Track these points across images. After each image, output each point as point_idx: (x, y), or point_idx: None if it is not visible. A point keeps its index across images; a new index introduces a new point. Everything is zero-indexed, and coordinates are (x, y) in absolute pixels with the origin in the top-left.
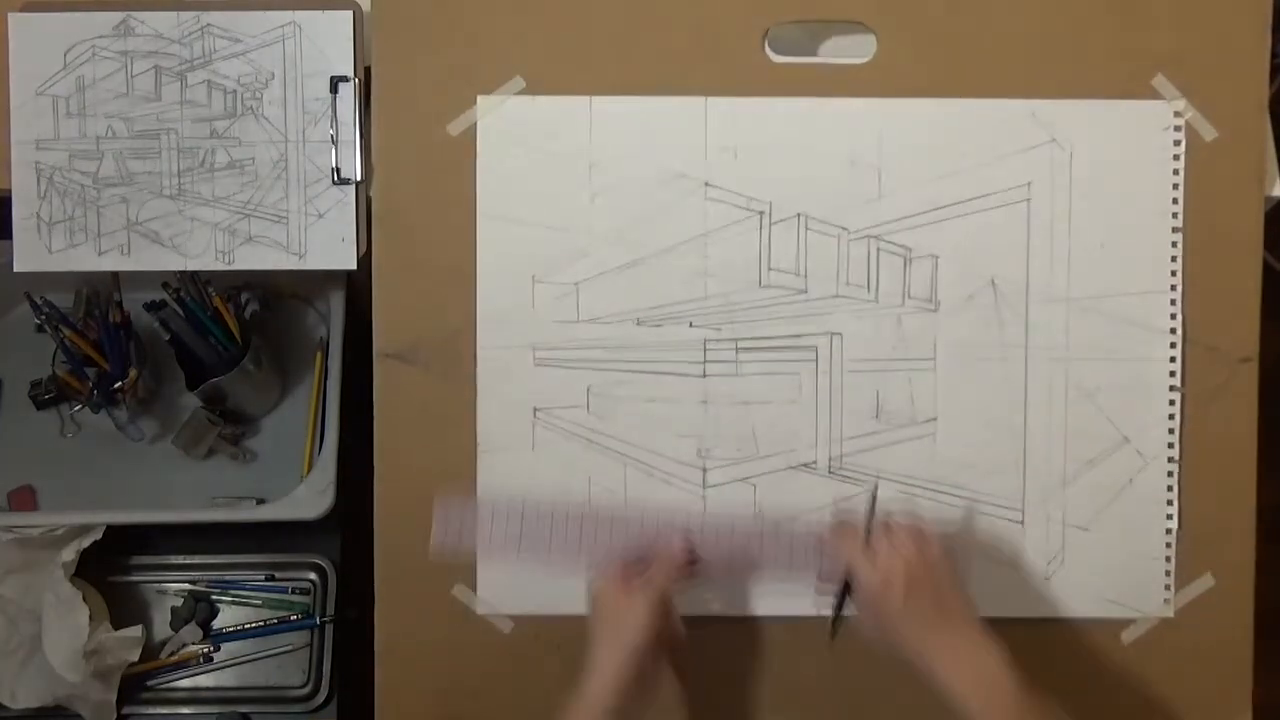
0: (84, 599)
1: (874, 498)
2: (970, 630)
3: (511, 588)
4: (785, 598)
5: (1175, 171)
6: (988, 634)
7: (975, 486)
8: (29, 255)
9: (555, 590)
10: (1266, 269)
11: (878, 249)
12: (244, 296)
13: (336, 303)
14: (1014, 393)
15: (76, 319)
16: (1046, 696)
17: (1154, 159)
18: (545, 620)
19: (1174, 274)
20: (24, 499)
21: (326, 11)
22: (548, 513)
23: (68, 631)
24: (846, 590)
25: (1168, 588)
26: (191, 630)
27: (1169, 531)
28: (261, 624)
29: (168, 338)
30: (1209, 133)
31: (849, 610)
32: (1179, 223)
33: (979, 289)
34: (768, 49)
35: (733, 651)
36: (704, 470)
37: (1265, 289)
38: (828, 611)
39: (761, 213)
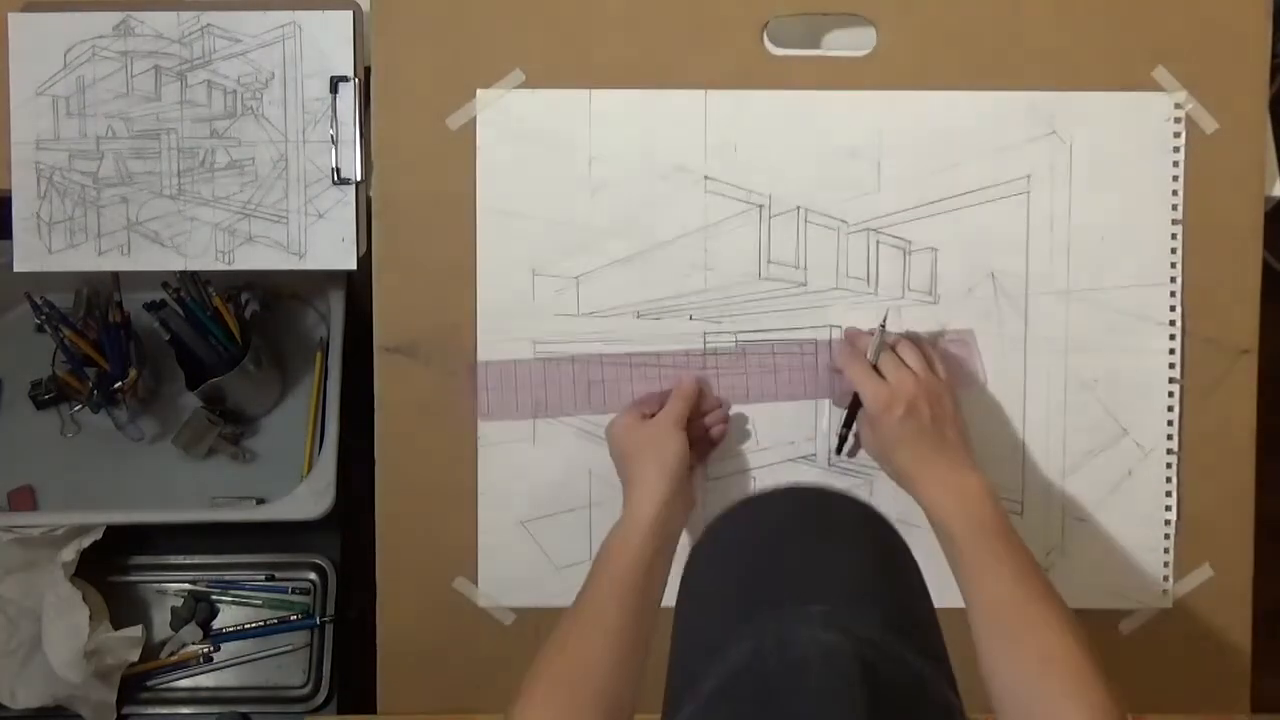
0: (84, 599)
1: (884, 320)
2: (961, 458)
3: (512, 580)
4: None
5: (1175, 164)
6: (976, 464)
7: None
8: (29, 255)
9: (556, 582)
10: (1267, 269)
11: (877, 242)
12: (244, 296)
13: (336, 302)
14: (1013, 385)
15: (76, 319)
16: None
17: (1154, 151)
18: (547, 612)
19: (1174, 266)
20: (24, 499)
21: (326, 11)
22: (568, 367)
23: (68, 631)
24: (855, 407)
25: (1166, 578)
26: (191, 630)
27: (1168, 523)
28: (261, 624)
29: (168, 338)
30: (1209, 124)
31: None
32: (1179, 215)
33: (978, 281)
34: (767, 41)
35: None
36: (705, 463)
37: (1265, 289)
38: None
39: (761, 206)
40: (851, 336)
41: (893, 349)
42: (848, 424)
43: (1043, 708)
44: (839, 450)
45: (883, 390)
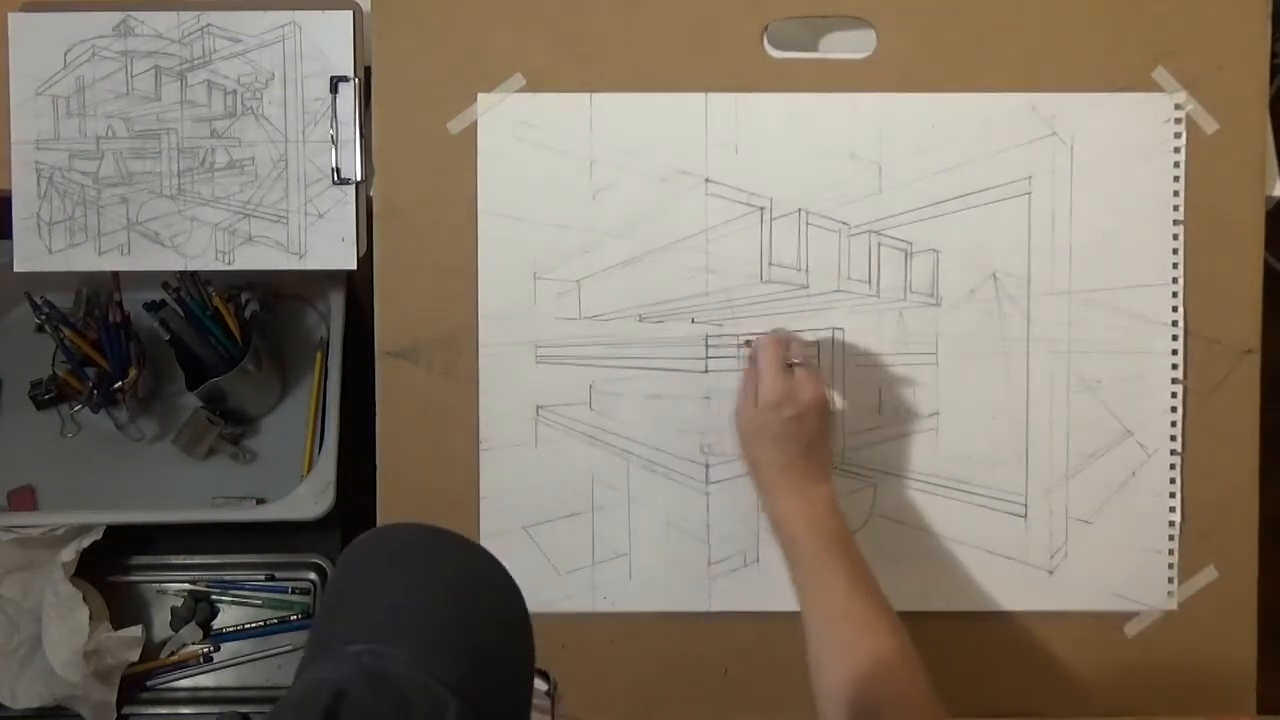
0: (84, 599)
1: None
2: (818, 472)
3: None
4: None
5: (1176, 164)
6: (830, 480)
7: (978, 480)
8: (29, 255)
9: (559, 588)
10: (1268, 269)
11: (879, 244)
12: (244, 296)
13: (336, 303)
14: (1016, 386)
15: (76, 319)
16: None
17: (1155, 151)
18: (549, 618)
19: (1175, 267)
20: (24, 499)
21: (326, 11)
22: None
23: (68, 631)
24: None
25: (1171, 580)
26: (191, 630)
27: (1172, 524)
28: (261, 624)
29: (168, 338)
30: (1210, 125)
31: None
32: (1180, 215)
33: (980, 283)
34: (767, 44)
35: (730, 648)
36: (707, 466)
37: (1267, 288)
38: None
39: (762, 208)
40: (780, 337)
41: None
42: None
43: (870, 706)
44: None
45: (782, 385)
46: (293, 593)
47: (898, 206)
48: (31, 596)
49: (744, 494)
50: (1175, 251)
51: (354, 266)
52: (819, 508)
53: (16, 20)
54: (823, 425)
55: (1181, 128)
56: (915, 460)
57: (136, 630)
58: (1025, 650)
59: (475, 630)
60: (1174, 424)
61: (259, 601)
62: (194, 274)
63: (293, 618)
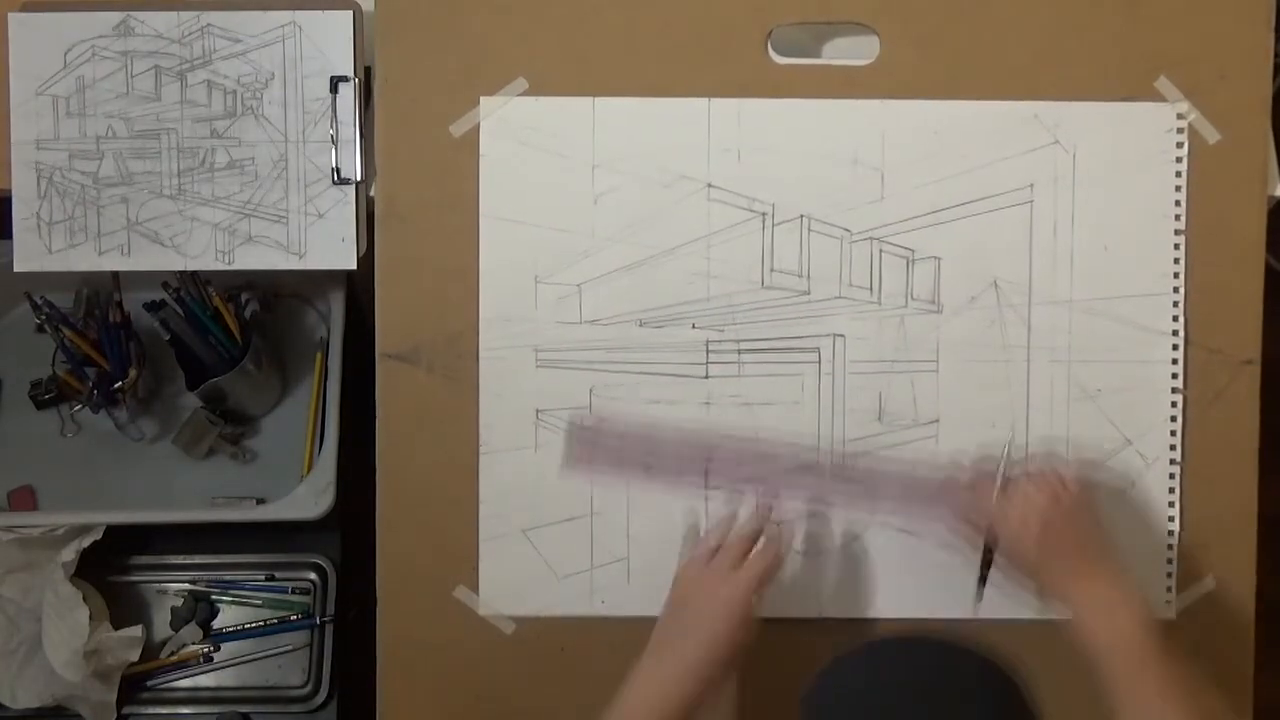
0: (84, 599)
1: (1007, 451)
2: (1107, 578)
3: (514, 589)
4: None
5: (1178, 174)
6: (1127, 584)
7: None
8: (29, 255)
9: (558, 592)
10: (1268, 270)
11: (880, 250)
12: (244, 296)
13: (336, 303)
14: (1016, 394)
15: (76, 319)
16: (1179, 659)
17: (1157, 161)
18: (548, 621)
19: (1176, 276)
20: (24, 499)
21: (326, 11)
22: (675, 438)
23: (68, 631)
24: (990, 552)
25: (1169, 590)
26: (191, 630)
27: (1170, 534)
28: (261, 624)
29: (168, 338)
30: (1212, 135)
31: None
32: (1181, 225)
33: (981, 290)
34: (771, 50)
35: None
36: (705, 472)
37: (1267, 292)
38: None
39: (764, 214)
40: (978, 468)
41: (1024, 474)
42: (985, 567)
43: None
44: (978, 595)
45: (1014, 519)
46: (293, 593)
47: (900, 213)
48: (31, 596)
49: (742, 500)
50: (1176, 261)
51: (354, 266)
52: (1121, 623)
53: (16, 20)
54: (1079, 519)
55: (1184, 137)
56: (915, 467)
57: (136, 630)
58: (1024, 658)
59: None
60: (1174, 434)
61: (259, 601)
62: (194, 274)
63: (293, 618)
